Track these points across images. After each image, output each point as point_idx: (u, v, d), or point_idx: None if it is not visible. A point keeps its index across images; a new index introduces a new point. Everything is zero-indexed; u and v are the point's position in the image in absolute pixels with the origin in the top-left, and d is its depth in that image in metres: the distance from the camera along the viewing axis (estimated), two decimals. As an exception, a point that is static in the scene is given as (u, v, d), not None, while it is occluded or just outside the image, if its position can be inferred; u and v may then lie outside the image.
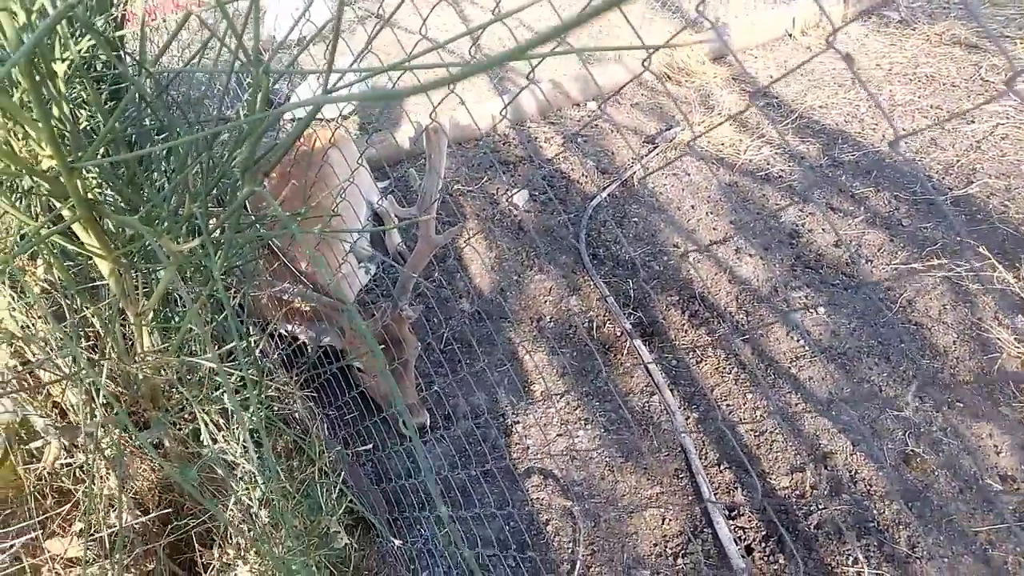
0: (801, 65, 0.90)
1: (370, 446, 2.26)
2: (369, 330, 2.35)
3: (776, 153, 3.82)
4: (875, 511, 2.27)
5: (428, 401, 2.60)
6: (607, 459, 2.49)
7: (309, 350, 2.45)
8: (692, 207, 3.55)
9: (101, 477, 1.51)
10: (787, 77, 4.42)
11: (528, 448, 2.53)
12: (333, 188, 2.80)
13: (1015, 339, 2.70)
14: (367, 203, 3.22)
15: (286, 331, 2.35)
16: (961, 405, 2.53)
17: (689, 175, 3.75)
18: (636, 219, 3.49)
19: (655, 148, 3.95)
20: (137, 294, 1.51)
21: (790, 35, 4.92)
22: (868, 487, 2.34)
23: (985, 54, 4.38)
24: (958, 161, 3.58)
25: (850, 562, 2.16)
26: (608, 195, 3.64)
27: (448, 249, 3.34)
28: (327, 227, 2.67)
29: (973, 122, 3.85)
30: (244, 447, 1.46)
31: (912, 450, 2.42)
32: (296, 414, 1.91)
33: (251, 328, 1.99)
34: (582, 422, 2.61)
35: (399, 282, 2.52)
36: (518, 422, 2.62)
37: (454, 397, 2.69)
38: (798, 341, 2.82)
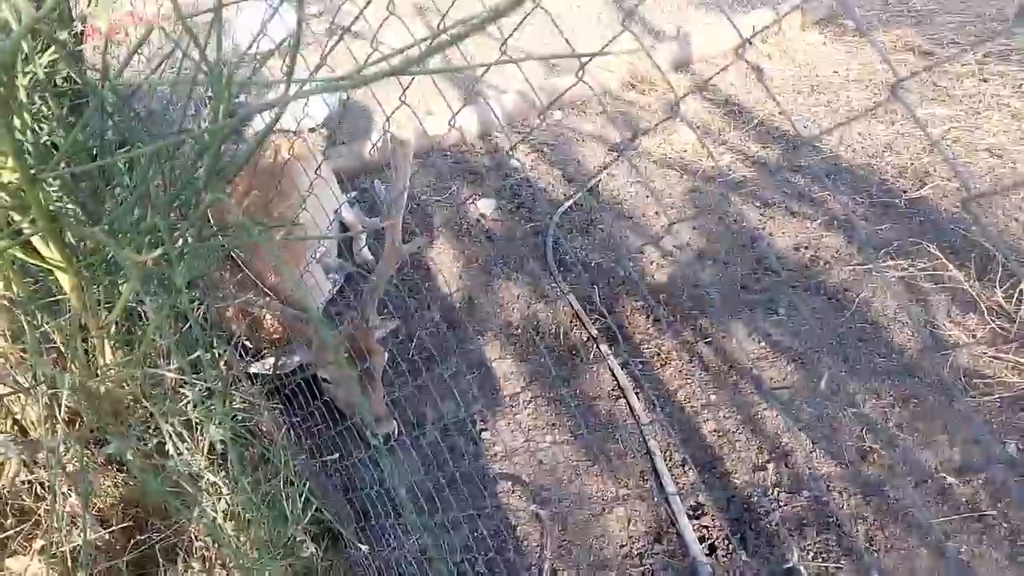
0: (711, 78, 0.95)
1: (336, 456, 2.27)
2: (336, 340, 2.37)
3: (737, 159, 3.90)
4: (834, 506, 2.33)
5: (395, 410, 2.61)
6: (574, 463, 2.52)
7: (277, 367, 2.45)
8: (656, 213, 3.61)
9: (63, 494, 1.50)
10: (749, 84, 4.52)
11: (496, 454, 2.56)
12: (296, 200, 2.81)
13: (967, 336, 2.79)
14: (332, 214, 3.23)
15: (260, 369, 2.34)
16: (916, 401, 2.61)
17: (653, 181, 3.81)
18: (602, 226, 3.54)
19: (619, 156, 4.01)
20: (99, 308, 1.51)
21: (751, 43, 5.02)
22: (828, 483, 2.40)
23: (937, 60, 4.51)
24: (912, 164, 3.69)
25: (810, 557, 2.21)
26: (574, 203, 3.69)
27: (415, 258, 3.36)
28: (291, 235, 2.68)
29: (930, 127, 3.96)
30: (209, 459, 1.47)
31: (870, 446, 2.48)
32: (262, 425, 1.92)
33: (215, 340, 1.99)
34: (549, 427, 2.64)
35: (365, 292, 2.53)
36: (485, 429, 2.64)
37: (422, 405, 2.71)
38: (759, 343, 2.88)
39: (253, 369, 2.27)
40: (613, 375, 2.79)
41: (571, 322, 3.04)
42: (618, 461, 2.51)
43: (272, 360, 2.34)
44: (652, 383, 2.77)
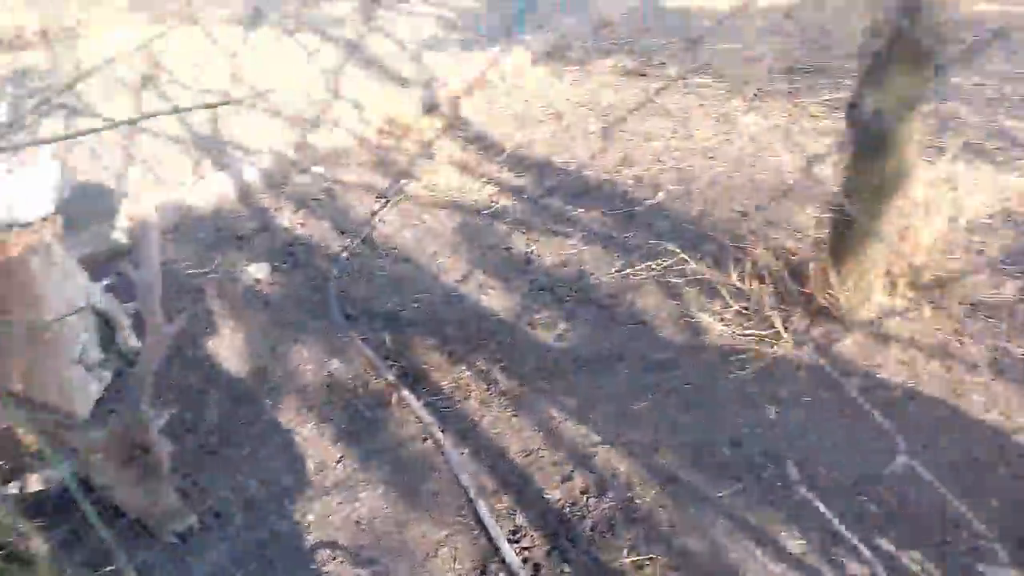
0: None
1: (125, 560, 2.05)
2: (109, 440, 2.15)
3: (496, 190, 4.12)
4: (637, 500, 2.51)
5: (191, 501, 2.43)
6: (391, 515, 2.50)
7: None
8: (434, 252, 3.71)
9: None
10: (494, 119, 4.79)
11: (309, 524, 2.47)
12: (37, 296, 2.54)
13: (716, 320, 3.16)
14: (84, 306, 2.94)
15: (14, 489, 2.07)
16: (689, 385, 2.90)
17: (424, 222, 3.92)
18: (382, 272, 3.56)
19: (387, 202, 4.07)
20: None
21: (494, 80, 5.34)
22: (628, 480, 2.57)
23: (649, 80, 5.13)
24: (644, 174, 4.14)
25: (625, 553, 2.35)
26: (350, 253, 3.68)
27: (193, 336, 3.16)
28: (38, 337, 2.42)
29: (653, 140, 4.46)
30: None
31: (657, 437, 2.71)
32: (23, 546, 1.69)
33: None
34: (362, 483, 2.60)
35: (135, 382, 2.33)
36: (295, 500, 2.54)
37: (222, 489, 2.55)
38: (545, 358, 3.05)
39: (10, 490, 2.00)
40: (417, 417, 2.81)
41: (368, 372, 3.02)
42: (434, 502, 2.53)
43: (34, 476, 2.08)
44: (456, 417, 2.83)
